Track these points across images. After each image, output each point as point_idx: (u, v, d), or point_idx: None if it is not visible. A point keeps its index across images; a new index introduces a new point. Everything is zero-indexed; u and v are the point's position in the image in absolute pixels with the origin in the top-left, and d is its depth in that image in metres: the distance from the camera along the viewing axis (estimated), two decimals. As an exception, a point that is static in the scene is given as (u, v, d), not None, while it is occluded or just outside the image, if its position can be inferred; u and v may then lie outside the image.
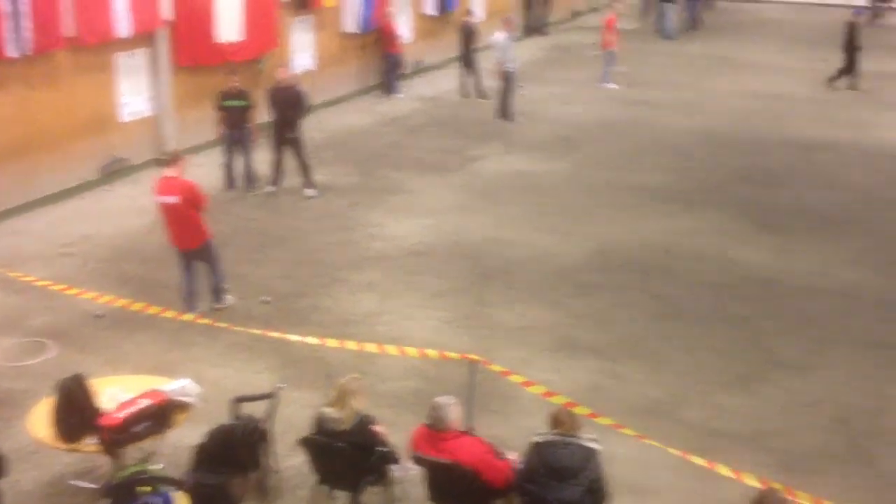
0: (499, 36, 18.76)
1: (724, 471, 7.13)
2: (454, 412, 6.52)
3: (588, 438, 6.35)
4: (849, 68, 21.19)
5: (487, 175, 15.51)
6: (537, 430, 6.53)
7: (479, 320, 10.52)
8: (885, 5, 29.58)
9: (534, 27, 27.66)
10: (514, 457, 6.63)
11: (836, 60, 23.50)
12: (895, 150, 16.71)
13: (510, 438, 7.52)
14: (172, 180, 9.98)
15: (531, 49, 25.38)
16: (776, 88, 21.39)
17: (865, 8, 27.93)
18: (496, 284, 11.42)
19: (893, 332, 10.34)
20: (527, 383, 8.17)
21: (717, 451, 8.01)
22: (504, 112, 18.71)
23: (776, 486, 6.26)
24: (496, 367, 8.29)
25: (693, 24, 28.49)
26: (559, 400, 7.59)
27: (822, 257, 12.29)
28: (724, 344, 10.09)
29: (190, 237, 10.15)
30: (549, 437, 6.34)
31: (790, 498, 6.15)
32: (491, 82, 19.61)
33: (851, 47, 21.11)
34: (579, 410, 7.17)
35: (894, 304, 10.99)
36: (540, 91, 20.97)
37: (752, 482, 6.70)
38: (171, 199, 9.92)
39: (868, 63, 21.63)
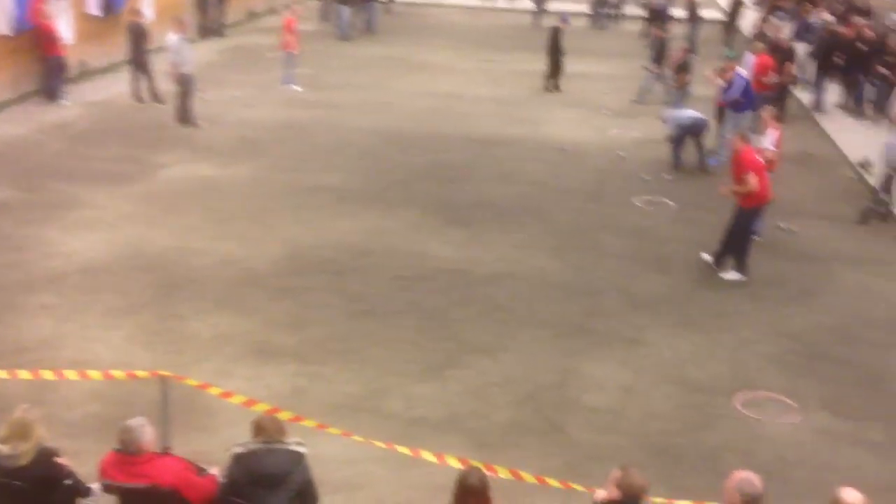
0: (172, 37, 18.07)
1: (428, 456, 7.29)
2: (146, 433, 6.12)
3: (294, 442, 6.22)
4: (554, 70, 22.42)
5: (169, 183, 14.89)
6: (240, 440, 6.30)
7: (168, 335, 10.06)
8: (544, 8, 31.70)
9: (209, 28, 26.98)
10: (216, 471, 6.37)
11: (504, 61, 24.98)
12: (564, 144, 17.89)
13: (214, 453, 7.24)
14: None
15: (208, 51, 24.74)
16: (454, 88, 22.26)
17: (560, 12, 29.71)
18: (184, 296, 10.97)
19: (569, 309, 11.08)
20: (226, 394, 7.90)
21: (420, 439, 8.21)
22: (183, 116, 18.08)
23: (477, 464, 6.45)
24: (191, 382, 7.95)
25: (369, 27, 29.05)
26: (261, 407, 7.40)
27: (505, 246, 12.91)
28: (419, 335, 10.34)
29: None
30: (252, 446, 6.14)
31: (491, 473, 6.37)
32: (167, 86, 18.88)
33: (555, 51, 22.34)
34: (283, 415, 7.00)
35: (569, 284, 11.76)
36: (221, 94, 20.48)
37: (455, 463, 6.89)
38: None
39: (537, 63, 23.11)
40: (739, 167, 11.78)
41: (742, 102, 16.28)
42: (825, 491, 7.17)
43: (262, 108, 19.66)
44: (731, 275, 11.96)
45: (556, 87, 22.23)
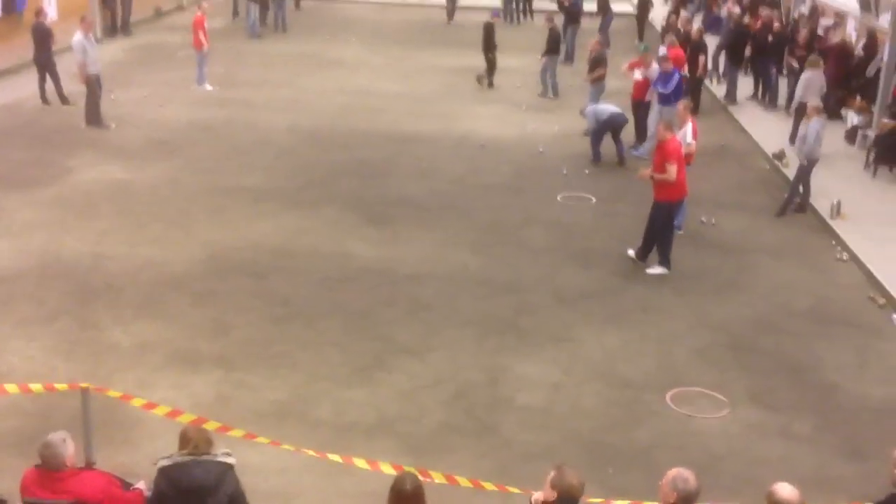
0: (77, 37, 17.49)
1: (361, 463, 7.18)
2: (68, 448, 5.93)
3: (221, 453, 6.07)
4: (489, 66, 22.38)
5: (80, 186, 14.40)
6: (165, 452, 6.10)
7: (87, 345, 9.72)
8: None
9: (116, 27, 26.26)
10: (143, 485, 6.21)
11: (417, 56, 24.88)
12: (480, 139, 17.86)
13: (139, 466, 7.08)
14: None
15: (115, 50, 24.08)
16: (368, 85, 22.07)
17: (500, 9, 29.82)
18: (102, 303, 10.61)
19: (495, 306, 11.03)
20: (149, 405, 7.64)
21: (351, 445, 8.10)
22: (92, 118, 17.53)
23: (411, 469, 6.34)
24: (113, 393, 7.70)
25: (280, 24, 28.65)
26: (186, 418, 7.17)
27: (427, 244, 12.81)
28: (345, 338, 10.17)
29: None
30: (178, 459, 5.97)
31: (426, 478, 6.27)
32: (74, 86, 18.27)
33: (489, 47, 22.26)
34: (209, 425, 6.81)
35: (492, 280, 11.71)
36: (131, 94, 19.93)
37: (388, 469, 6.76)
38: None
39: (450, 58, 23.03)
40: (663, 156, 11.85)
41: (672, 96, 16.45)
42: (757, 484, 7.29)
43: (174, 108, 19.18)
44: (655, 269, 12.06)
45: (490, 84, 22.22)
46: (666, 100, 16.51)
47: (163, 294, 10.93)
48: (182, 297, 10.91)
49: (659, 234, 12.04)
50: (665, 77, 16.59)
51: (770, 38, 20.61)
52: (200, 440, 6.08)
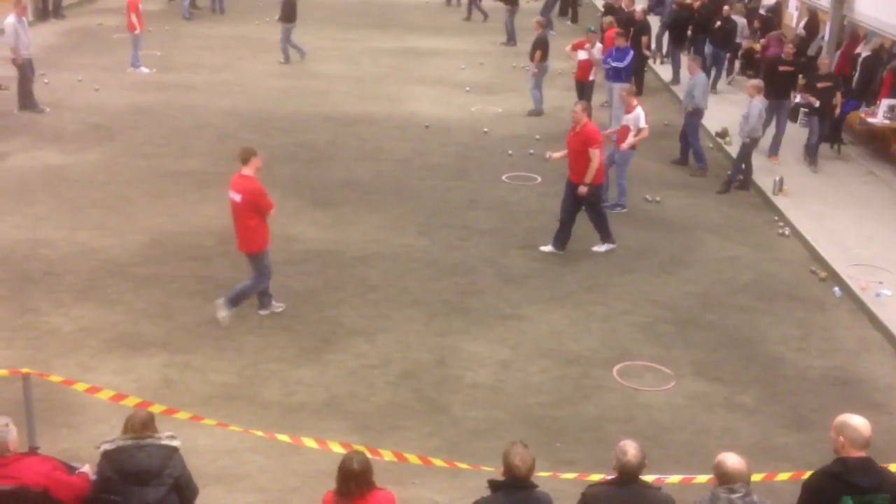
0: (9, 19, 17.03)
1: (310, 442, 7.16)
2: (11, 433, 5.82)
3: (165, 436, 6.00)
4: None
5: (15, 172, 14.06)
6: (108, 437, 6.01)
7: (27, 330, 9.53)
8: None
9: (47, 10, 25.66)
10: (87, 469, 6.14)
11: (358, 39, 24.69)
12: (425, 120, 17.77)
13: (83, 450, 7.00)
14: (243, 178, 9.85)
15: (47, 34, 23.51)
16: (309, 67, 21.83)
17: None
18: (41, 289, 10.39)
19: (442, 287, 11.02)
20: (93, 389, 7.50)
21: (300, 425, 8.07)
22: (26, 102, 17.10)
23: (360, 447, 6.31)
24: (55, 378, 7.57)
25: (218, 6, 28.22)
26: (131, 401, 7.07)
27: (373, 225, 12.74)
28: (292, 320, 10.09)
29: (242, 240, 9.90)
30: (121, 443, 5.91)
31: (375, 456, 6.26)
32: (6, 70, 17.80)
33: None
34: (154, 409, 6.71)
35: (439, 261, 11.69)
36: (65, 78, 19.47)
37: (338, 448, 6.73)
38: (236, 197, 9.78)
39: (390, 41, 22.91)
40: (587, 141, 11.51)
41: (624, 71, 16.46)
42: (704, 454, 7.43)
43: (111, 92, 18.80)
44: (601, 246, 12.09)
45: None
46: (617, 75, 16.54)
47: (104, 279, 10.72)
48: (124, 281, 10.72)
49: (593, 215, 12.01)
50: (619, 53, 16.67)
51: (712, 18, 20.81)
52: (142, 424, 6.00)
